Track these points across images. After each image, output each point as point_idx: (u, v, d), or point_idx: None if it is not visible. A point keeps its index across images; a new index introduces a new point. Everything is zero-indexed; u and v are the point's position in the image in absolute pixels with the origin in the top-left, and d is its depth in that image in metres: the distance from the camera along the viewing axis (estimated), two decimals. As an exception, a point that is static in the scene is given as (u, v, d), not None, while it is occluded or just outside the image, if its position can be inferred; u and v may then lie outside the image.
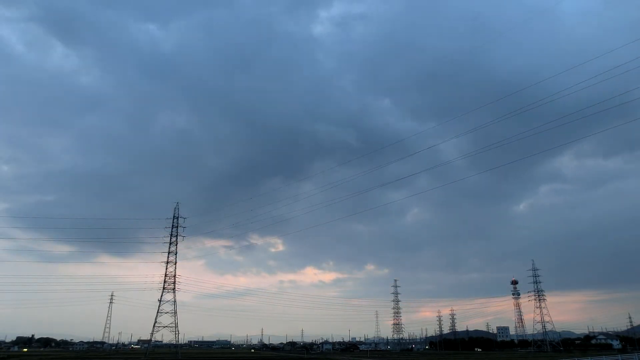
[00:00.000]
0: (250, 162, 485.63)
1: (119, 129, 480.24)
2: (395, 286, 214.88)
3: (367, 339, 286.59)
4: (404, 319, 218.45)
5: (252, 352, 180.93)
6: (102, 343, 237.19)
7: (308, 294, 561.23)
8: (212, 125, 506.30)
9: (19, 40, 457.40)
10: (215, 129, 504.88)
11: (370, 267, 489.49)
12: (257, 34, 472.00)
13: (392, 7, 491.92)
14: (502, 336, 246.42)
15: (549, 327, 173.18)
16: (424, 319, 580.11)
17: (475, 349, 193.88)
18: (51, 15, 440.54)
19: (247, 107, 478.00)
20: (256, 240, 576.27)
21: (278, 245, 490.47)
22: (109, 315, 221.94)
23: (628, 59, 53.56)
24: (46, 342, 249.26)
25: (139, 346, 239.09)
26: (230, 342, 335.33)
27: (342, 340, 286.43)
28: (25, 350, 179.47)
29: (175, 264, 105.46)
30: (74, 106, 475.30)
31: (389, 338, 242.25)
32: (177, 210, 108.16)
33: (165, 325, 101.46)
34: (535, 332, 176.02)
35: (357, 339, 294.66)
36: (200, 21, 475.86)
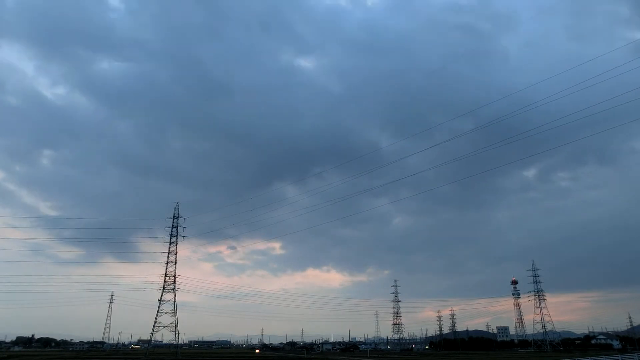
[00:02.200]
0: (251, 169, 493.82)
1: (130, 147, 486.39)
2: (395, 286, 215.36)
3: (367, 339, 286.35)
4: (404, 319, 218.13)
5: (257, 352, 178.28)
6: (102, 343, 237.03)
7: (308, 293, 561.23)
8: (214, 141, 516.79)
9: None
10: (217, 143, 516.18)
11: (370, 269, 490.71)
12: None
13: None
14: (502, 336, 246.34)
15: (549, 327, 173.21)
16: (424, 319, 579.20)
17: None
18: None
19: (245, 124, 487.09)
20: (257, 242, 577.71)
21: (279, 247, 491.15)
22: (109, 315, 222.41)
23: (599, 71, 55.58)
24: (46, 342, 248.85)
25: (139, 346, 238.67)
26: (230, 342, 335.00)
27: (342, 340, 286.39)
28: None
29: (175, 263, 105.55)
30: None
31: (389, 338, 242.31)
32: (177, 211, 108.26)
33: (165, 325, 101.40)
34: (535, 332, 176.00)
35: (357, 339, 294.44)
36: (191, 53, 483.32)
